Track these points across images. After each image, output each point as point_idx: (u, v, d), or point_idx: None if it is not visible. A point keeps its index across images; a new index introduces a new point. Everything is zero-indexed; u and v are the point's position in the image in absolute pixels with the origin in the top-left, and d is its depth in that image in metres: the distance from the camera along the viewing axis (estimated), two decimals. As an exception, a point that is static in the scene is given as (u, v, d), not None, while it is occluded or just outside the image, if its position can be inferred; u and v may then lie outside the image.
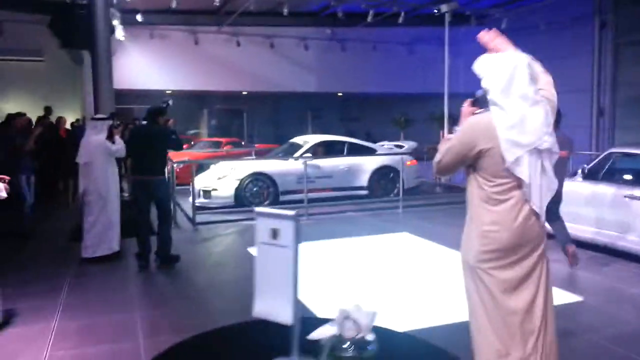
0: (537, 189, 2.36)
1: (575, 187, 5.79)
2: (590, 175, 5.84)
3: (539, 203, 2.38)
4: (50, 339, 3.71)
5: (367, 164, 9.64)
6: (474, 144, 2.39)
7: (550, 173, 2.43)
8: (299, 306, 1.31)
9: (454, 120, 13.02)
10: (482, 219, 2.41)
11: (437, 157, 2.56)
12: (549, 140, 2.37)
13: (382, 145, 10.99)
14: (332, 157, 9.61)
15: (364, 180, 9.60)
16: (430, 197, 10.43)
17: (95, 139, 5.65)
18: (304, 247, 5.45)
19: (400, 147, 11.53)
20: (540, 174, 2.38)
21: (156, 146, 5.47)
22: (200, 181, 8.87)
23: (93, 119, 5.87)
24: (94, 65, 6.44)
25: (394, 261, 5.80)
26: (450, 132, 5.99)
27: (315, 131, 19.70)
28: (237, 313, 4.22)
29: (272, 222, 1.32)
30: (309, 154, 9.29)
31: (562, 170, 5.15)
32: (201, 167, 9.84)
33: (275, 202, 8.88)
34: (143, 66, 16.18)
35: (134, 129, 6.12)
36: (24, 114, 6.89)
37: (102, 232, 5.69)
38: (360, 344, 1.28)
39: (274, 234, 1.31)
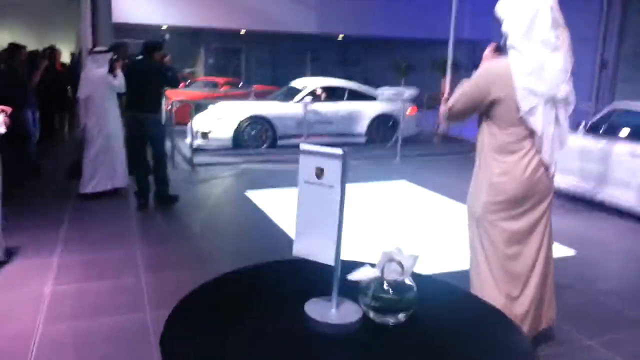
0: (548, 140, 2.34)
1: (577, 142, 5.78)
2: (592, 130, 5.83)
3: (550, 155, 2.37)
4: (52, 274, 3.78)
5: (367, 111, 9.56)
6: (488, 91, 2.34)
7: (564, 124, 2.40)
8: (340, 247, 1.30)
9: (457, 67, 12.72)
10: (491, 170, 2.41)
11: (450, 102, 2.51)
12: (565, 89, 2.32)
13: (382, 93, 10.81)
14: (332, 102, 9.49)
15: (362, 127, 9.55)
16: (428, 147, 10.42)
17: (96, 72, 5.51)
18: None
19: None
20: (554, 124, 2.35)
21: (152, 83, 5.33)
22: (198, 122, 8.78)
23: (93, 52, 5.70)
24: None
25: (394, 209, 5.86)
26: (454, 80, 5.90)
27: (313, 74, 19.35)
28: (235, 254, 4.33)
29: (317, 160, 1.29)
30: (309, 98, 9.17)
31: None
32: (198, 108, 9.71)
33: (273, 146, 8.86)
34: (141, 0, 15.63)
35: (130, 64, 5.96)
36: (24, 47, 6.62)
37: (104, 168, 5.67)
38: (401, 287, 1.30)
39: (319, 172, 1.28)
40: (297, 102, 9.03)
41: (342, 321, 1.29)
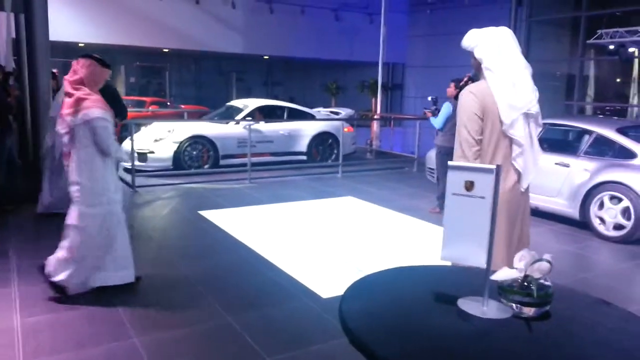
0: (526, 154, 2.57)
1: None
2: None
3: (524, 168, 2.59)
4: (15, 306, 3.53)
5: (307, 130, 9.74)
6: (481, 108, 2.55)
7: (536, 143, 2.66)
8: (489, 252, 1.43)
9: (386, 89, 13.39)
10: None
11: (460, 151, 2.63)
12: (536, 107, 2.58)
13: (319, 112, 11.12)
14: (275, 121, 9.59)
15: (303, 146, 9.72)
16: (365, 163, 10.83)
17: None
18: (254, 210, 5.60)
19: (337, 113, 11.73)
20: (529, 141, 2.63)
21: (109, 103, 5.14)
22: (135, 143, 8.47)
23: None
24: (27, 13, 5.82)
25: (349, 224, 6.03)
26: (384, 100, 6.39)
27: (239, 93, 19.39)
28: (208, 274, 4.28)
29: (467, 174, 1.41)
30: (249, 118, 9.21)
31: None
32: (125, 128, 9.38)
33: (215, 166, 8.76)
34: (55, 15, 14.81)
35: None
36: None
37: (60, 190, 5.42)
38: (541, 284, 1.46)
39: (469, 185, 1.41)
40: (239, 121, 9.04)
41: (499, 317, 1.44)
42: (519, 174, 2.61)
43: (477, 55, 2.62)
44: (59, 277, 3.60)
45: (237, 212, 6.25)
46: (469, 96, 2.61)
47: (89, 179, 3.56)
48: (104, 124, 3.52)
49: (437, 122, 6.39)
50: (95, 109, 3.50)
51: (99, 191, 3.59)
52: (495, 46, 2.56)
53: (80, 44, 16.22)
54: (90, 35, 15.65)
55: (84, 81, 3.56)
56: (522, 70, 2.57)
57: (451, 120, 6.10)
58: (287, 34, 18.22)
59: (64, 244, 3.66)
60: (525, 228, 2.74)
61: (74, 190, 3.59)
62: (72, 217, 3.62)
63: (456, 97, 5.98)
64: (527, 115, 2.57)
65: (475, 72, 2.82)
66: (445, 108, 6.30)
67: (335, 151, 9.80)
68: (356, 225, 5.95)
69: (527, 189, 2.70)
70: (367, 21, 19.09)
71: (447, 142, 6.23)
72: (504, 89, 2.53)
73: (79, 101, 3.49)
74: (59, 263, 3.63)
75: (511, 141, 2.57)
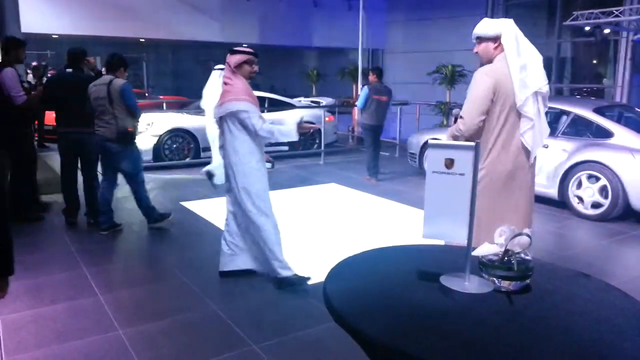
0: (535, 130, 2.75)
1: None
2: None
3: (532, 144, 2.77)
4: (-4, 302, 3.47)
5: (288, 119, 9.63)
6: (494, 88, 2.71)
7: (544, 120, 2.83)
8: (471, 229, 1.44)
9: (366, 75, 13.43)
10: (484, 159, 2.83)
11: (462, 122, 2.78)
12: (547, 87, 2.76)
13: (300, 102, 11.05)
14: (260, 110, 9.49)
15: (284, 135, 9.64)
16: (346, 150, 10.85)
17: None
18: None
19: (318, 103, 11.68)
20: (538, 117, 2.76)
21: (84, 95, 5.05)
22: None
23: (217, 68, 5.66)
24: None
25: (333, 210, 6.04)
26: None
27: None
28: (188, 261, 4.26)
29: (447, 152, 1.42)
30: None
31: (384, 110, 7.23)
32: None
33: (196, 158, 8.65)
34: (26, 7, 14.43)
35: (58, 76, 5.57)
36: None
37: None
38: (521, 258, 1.49)
39: (449, 163, 1.41)
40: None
41: (481, 291, 1.46)
42: (525, 149, 2.77)
43: (503, 41, 2.78)
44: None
45: (220, 202, 6.20)
46: (484, 79, 2.76)
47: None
48: (245, 116, 3.53)
49: (358, 103, 7.37)
50: (236, 101, 3.52)
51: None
52: (514, 33, 2.77)
53: (54, 36, 15.86)
54: (65, 26, 15.26)
55: (232, 73, 3.61)
56: (536, 55, 2.78)
57: (368, 101, 7.10)
58: (265, 21, 18.01)
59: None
60: (531, 201, 2.90)
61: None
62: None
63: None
64: (537, 94, 2.74)
65: (482, 59, 2.94)
66: (363, 91, 7.23)
67: (317, 140, 9.78)
68: (340, 212, 5.96)
69: (533, 164, 2.85)
70: (345, 7, 18.94)
71: (368, 120, 7.25)
72: (519, 68, 2.71)
73: (224, 94, 3.61)
74: None
75: (519, 118, 2.75)
